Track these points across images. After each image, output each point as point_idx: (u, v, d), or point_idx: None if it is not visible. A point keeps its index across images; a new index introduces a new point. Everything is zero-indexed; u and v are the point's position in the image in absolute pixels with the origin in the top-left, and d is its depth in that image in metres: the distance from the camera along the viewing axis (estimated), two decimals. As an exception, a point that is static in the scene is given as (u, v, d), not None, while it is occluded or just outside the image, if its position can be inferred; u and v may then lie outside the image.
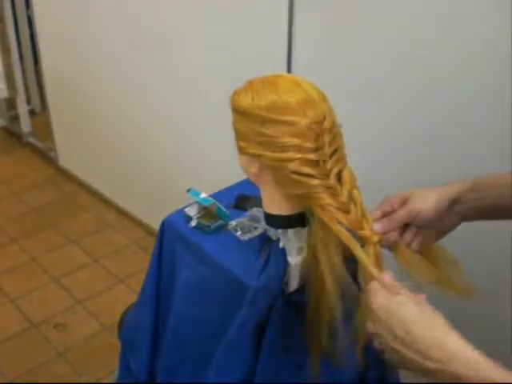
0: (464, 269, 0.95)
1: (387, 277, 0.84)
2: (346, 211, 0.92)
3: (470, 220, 0.96)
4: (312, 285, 1.02)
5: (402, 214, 0.94)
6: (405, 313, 0.77)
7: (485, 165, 1.35)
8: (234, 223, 1.17)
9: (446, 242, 0.99)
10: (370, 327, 0.81)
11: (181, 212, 1.23)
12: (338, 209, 0.92)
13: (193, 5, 1.95)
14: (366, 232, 0.92)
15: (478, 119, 1.35)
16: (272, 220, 1.04)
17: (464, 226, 0.97)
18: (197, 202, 1.21)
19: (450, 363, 0.70)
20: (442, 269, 0.97)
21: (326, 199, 0.91)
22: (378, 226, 0.94)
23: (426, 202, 0.93)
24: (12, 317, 2.20)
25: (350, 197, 0.94)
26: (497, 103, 1.29)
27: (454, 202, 0.93)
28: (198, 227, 1.18)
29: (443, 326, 0.74)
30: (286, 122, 0.90)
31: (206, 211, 1.20)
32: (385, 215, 0.96)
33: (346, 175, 0.94)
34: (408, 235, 0.96)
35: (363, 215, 0.94)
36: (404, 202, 0.95)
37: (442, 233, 0.98)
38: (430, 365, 0.71)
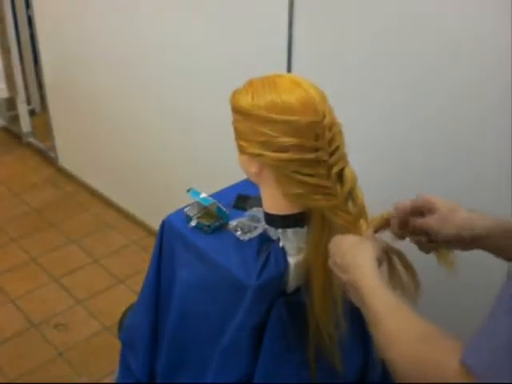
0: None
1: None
2: (342, 211, 0.92)
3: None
4: (312, 285, 1.02)
5: (416, 225, 0.87)
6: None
7: (485, 163, 1.35)
8: (233, 223, 1.17)
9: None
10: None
11: (181, 212, 1.22)
12: (334, 208, 0.92)
13: (193, 5, 1.95)
14: (361, 232, 0.92)
15: (476, 119, 1.35)
16: (272, 220, 1.04)
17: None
18: (197, 202, 1.21)
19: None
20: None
21: (321, 200, 0.92)
22: (370, 232, 0.92)
23: (447, 227, 0.84)
24: (12, 317, 2.20)
25: (351, 196, 0.94)
26: (496, 102, 1.29)
27: (479, 236, 0.83)
28: (198, 227, 1.18)
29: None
30: (285, 122, 0.90)
31: (205, 211, 1.20)
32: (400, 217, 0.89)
33: (347, 174, 0.94)
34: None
35: (361, 214, 0.94)
36: (427, 210, 0.87)
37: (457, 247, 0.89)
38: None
